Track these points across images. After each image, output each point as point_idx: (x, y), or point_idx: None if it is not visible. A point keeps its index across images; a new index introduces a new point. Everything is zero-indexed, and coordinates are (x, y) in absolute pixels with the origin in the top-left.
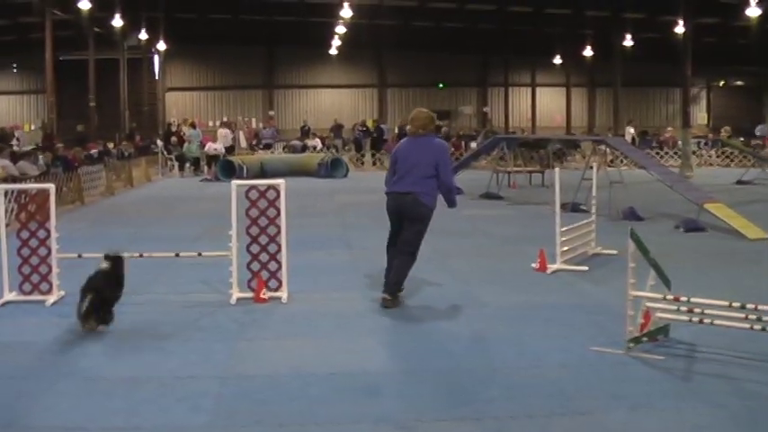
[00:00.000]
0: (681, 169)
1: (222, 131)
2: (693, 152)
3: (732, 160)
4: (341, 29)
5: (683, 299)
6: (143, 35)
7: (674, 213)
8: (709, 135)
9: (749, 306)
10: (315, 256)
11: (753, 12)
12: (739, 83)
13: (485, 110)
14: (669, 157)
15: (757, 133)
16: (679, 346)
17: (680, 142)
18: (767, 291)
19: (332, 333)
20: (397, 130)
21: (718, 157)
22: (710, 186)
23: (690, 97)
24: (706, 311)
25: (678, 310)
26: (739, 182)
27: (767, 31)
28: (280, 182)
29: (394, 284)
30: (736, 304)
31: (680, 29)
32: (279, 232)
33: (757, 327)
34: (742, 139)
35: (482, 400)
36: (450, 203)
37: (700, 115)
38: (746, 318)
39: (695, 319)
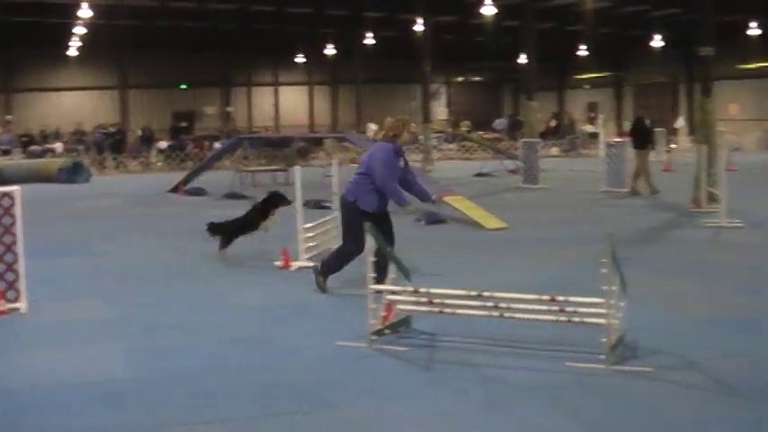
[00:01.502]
0: (422, 164)
1: None
2: (434, 147)
3: (472, 153)
4: (80, 29)
5: (423, 290)
6: None
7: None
8: (449, 130)
9: (486, 294)
10: (56, 264)
11: (488, 10)
12: (477, 78)
13: (228, 110)
14: (411, 152)
15: (495, 127)
16: (422, 337)
17: (421, 137)
18: (504, 278)
19: (75, 341)
20: (140, 132)
21: (458, 150)
22: (450, 180)
23: (430, 93)
24: (447, 301)
25: (418, 301)
26: (478, 174)
27: (503, 28)
28: (14, 189)
29: (321, 266)
30: (473, 293)
31: (419, 27)
32: (15, 241)
33: (495, 314)
34: (481, 132)
35: (228, 402)
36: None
37: (440, 110)
38: (484, 306)
39: (436, 309)
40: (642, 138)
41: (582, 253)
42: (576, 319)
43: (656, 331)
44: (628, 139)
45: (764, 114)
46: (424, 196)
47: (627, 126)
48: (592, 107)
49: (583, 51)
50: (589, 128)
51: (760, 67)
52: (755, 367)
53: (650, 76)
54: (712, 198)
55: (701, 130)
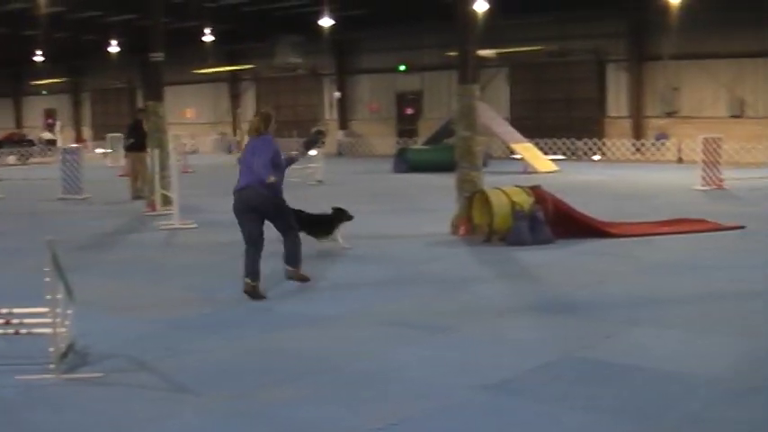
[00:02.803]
0: None
1: None
2: None
3: None
4: None
5: None
6: None
7: None
8: None
9: None
10: None
11: None
12: None
13: None
14: None
15: None
16: None
17: None
18: None
19: None
20: None
21: None
22: None
23: None
24: None
25: None
26: None
27: None
28: None
29: (296, 262)
30: None
31: None
32: None
33: None
34: None
35: None
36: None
37: None
38: None
39: None
40: (140, 140)
41: (35, 262)
42: (24, 330)
43: (109, 336)
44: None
45: (219, 118)
46: None
47: (87, 132)
48: (50, 113)
49: (39, 57)
50: (47, 135)
51: (214, 72)
52: (202, 362)
53: (108, 82)
54: (167, 200)
55: (155, 135)
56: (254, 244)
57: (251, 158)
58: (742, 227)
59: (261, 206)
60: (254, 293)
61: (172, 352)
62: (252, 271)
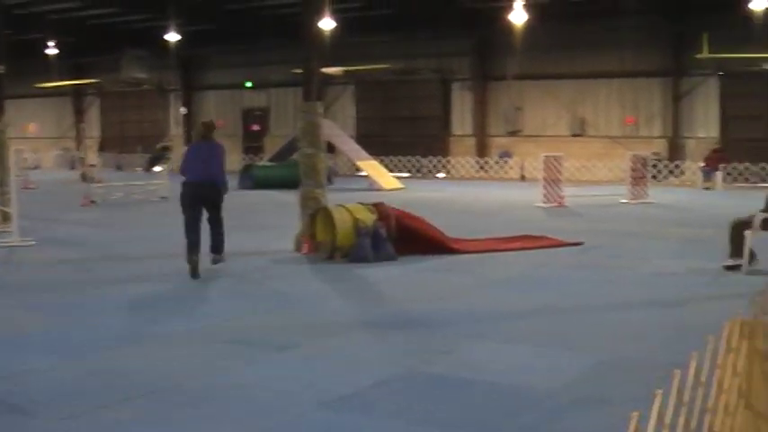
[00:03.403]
0: None
1: None
2: None
3: None
4: None
5: None
6: None
7: None
8: None
9: None
10: None
11: None
12: None
13: None
14: None
15: None
16: None
17: None
18: None
19: None
20: None
21: None
22: None
23: None
24: None
25: None
26: None
27: None
28: None
29: (221, 249)
30: None
31: None
32: None
33: None
34: None
35: None
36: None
37: None
38: None
39: None
40: None
41: None
42: None
43: None
44: None
45: (63, 132)
46: None
47: None
48: None
49: None
50: None
51: (58, 86)
52: (38, 382)
53: None
54: (5, 217)
55: None
56: (194, 225)
57: (205, 158)
58: (581, 243)
59: (209, 198)
60: (195, 269)
61: (6, 372)
62: (194, 246)
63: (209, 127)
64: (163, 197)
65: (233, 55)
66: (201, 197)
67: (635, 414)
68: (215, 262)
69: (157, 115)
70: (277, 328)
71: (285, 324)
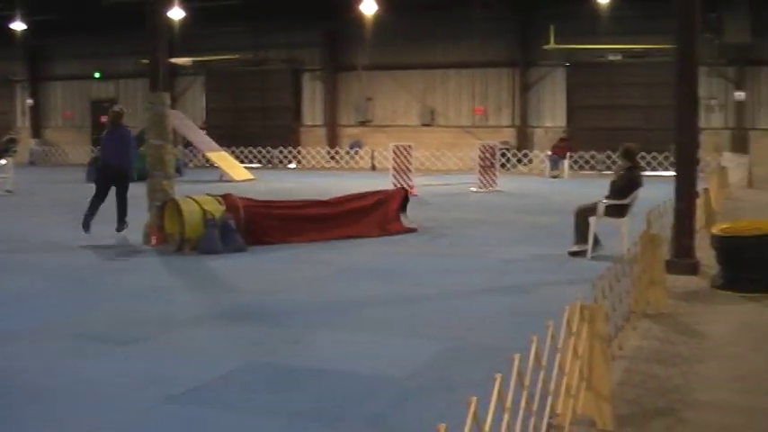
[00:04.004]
0: None
1: None
2: None
3: None
4: None
5: None
6: None
7: None
8: None
9: None
10: None
11: None
12: None
13: None
14: None
15: None
16: None
17: None
18: None
19: None
20: None
21: None
22: None
23: None
24: None
25: None
26: None
27: None
28: None
29: (123, 218)
30: None
31: None
32: None
33: None
34: None
35: None
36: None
37: None
38: None
39: None
40: None
41: None
42: None
43: None
44: None
45: None
46: None
47: None
48: None
49: None
50: None
51: None
52: None
53: None
54: None
55: None
56: (101, 199)
57: (115, 144)
58: (414, 229)
59: (119, 178)
60: (87, 225)
61: None
62: (94, 213)
63: (118, 115)
64: (8, 191)
65: (81, 45)
66: (113, 178)
67: (473, 398)
68: (120, 230)
69: (3, 107)
70: (122, 323)
71: (131, 318)
